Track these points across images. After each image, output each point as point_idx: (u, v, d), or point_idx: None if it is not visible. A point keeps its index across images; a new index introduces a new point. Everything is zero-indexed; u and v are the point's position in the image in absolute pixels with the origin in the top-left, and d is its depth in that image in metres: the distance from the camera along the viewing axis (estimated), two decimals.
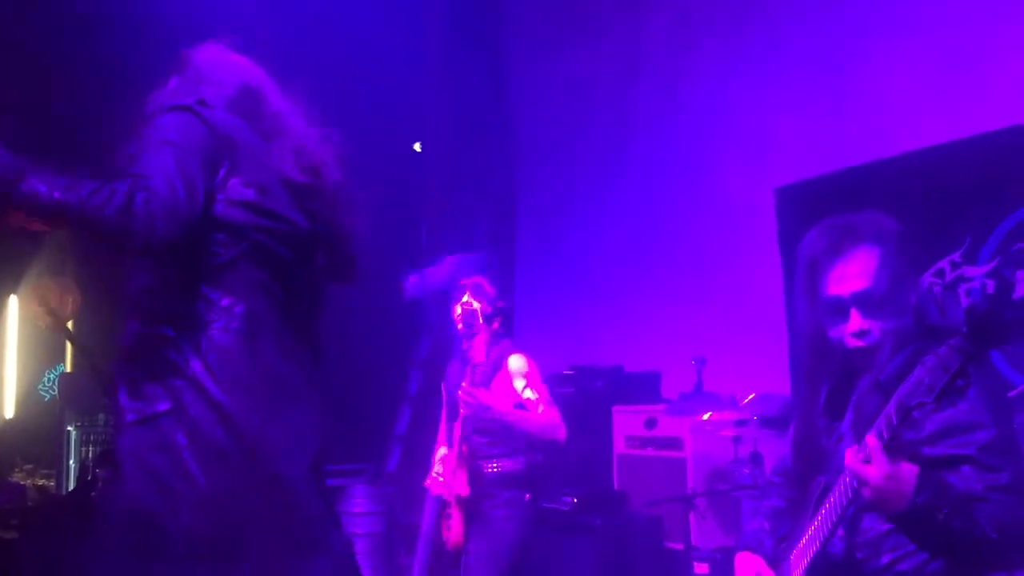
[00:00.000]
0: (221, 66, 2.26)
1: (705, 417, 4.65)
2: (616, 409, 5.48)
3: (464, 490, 3.71)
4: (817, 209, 5.18)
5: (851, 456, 1.80)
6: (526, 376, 3.85)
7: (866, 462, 1.76)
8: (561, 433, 3.83)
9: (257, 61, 2.37)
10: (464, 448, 3.76)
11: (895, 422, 1.72)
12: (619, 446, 5.41)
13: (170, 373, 1.86)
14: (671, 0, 6.55)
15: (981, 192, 4.62)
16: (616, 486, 5.34)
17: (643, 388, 5.74)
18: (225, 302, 1.92)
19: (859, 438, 1.85)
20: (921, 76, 4.95)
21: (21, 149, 1.90)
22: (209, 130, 1.96)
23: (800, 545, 2.04)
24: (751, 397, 4.54)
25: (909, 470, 1.75)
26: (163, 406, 1.84)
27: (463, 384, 3.72)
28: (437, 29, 7.50)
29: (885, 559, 1.92)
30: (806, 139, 5.48)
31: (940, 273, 5.12)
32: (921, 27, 4.98)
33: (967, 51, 4.75)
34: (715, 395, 4.98)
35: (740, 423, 4.49)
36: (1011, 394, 4.33)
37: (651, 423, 5.21)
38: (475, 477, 3.77)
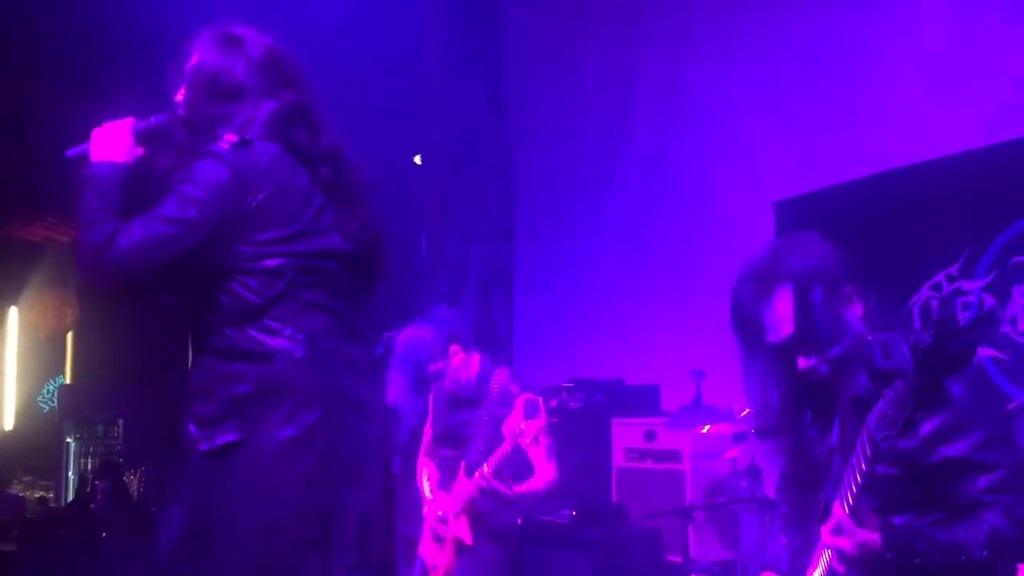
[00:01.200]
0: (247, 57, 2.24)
1: (704, 430, 4.66)
2: (615, 422, 5.48)
3: (467, 539, 3.69)
4: (815, 223, 5.21)
5: (825, 531, 1.86)
6: (536, 427, 3.72)
7: (838, 533, 1.82)
8: (555, 488, 3.85)
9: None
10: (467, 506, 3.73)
11: (860, 482, 1.77)
12: (618, 459, 5.41)
13: (239, 406, 1.97)
14: (669, 15, 6.58)
15: (978, 206, 4.65)
16: (615, 499, 5.33)
17: (642, 401, 5.73)
18: (288, 332, 2.02)
19: (846, 454, 1.88)
20: (918, 91, 4.97)
21: None
22: (239, 179, 2.03)
23: (812, 571, 2.06)
24: (747, 411, 4.55)
25: (873, 532, 1.80)
26: (232, 437, 1.96)
27: (483, 472, 3.63)
28: (437, 44, 7.54)
29: None
30: (805, 153, 5.50)
31: (937, 287, 5.14)
32: (917, 43, 5.01)
33: (965, 66, 4.77)
34: (714, 408, 4.99)
35: (738, 436, 4.50)
36: (1010, 407, 4.35)
37: (650, 436, 5.22)
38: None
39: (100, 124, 2.20)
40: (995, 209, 4.57)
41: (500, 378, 3.89)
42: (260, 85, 2.18)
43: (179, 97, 2.23)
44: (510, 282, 7.47)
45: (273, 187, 2.06)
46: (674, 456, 5.06)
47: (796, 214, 5.39)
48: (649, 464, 5.20)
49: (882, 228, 5.00)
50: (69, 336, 9.90)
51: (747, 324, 2.10)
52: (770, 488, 4.20)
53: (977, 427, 1.87)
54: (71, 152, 2.23)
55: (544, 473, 3.81)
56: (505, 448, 3.63)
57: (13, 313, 10.41)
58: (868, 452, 1.75)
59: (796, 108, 5.60)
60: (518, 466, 3.79)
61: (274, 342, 2.01)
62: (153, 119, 2.21)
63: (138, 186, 2.11)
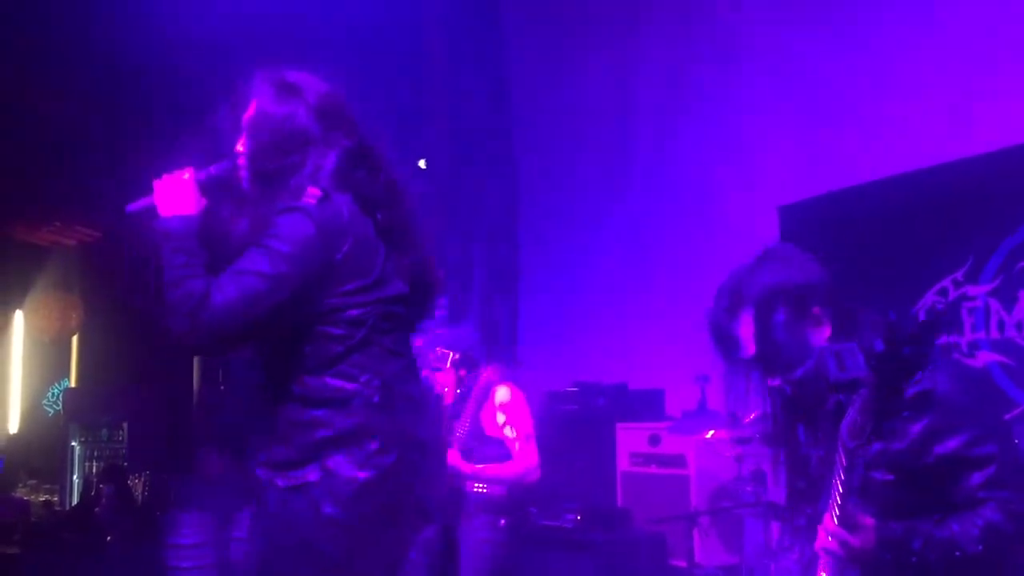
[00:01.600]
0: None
1: (709, 435, 4.65)
2: (620, 426, 5.48)
3: None
4: (820, 227, 5.25)
5: (820, 541, 1.87)
6: (507, 411, 3.85)
7: (831, 541, 1.83)
8: (533, 476, 3.86)
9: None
10: None
11: (841, 489, 1.78)
12: (623, 463, 5.40)
13: (319, 450, 2.05)
14: (673, 19, 6.58)
15: (985, 210, 4.64)
16: (619, 503, 5.33)
17: (647, 405, 5.74)
18: (364, 378, 2.10)
19: (831, 457, 1.88)
20: (925, 96, 4.97)
21: None
22: (324, 233, 2.08)
23: None
24: (753, 416, 4.54)
25: (867, 535, 1.81)
26: (314, 477, 2.05)
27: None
28: (439, 44, 7.54)
29: None
30: (809, 157, 5.49)
31: (943, 292, 5.13)
32: (924, 47, 5.01)
33: (971, 71, 4.77)
34: (719, 413, 4.98)
35: (741, 441, 4.49)
36: (1016, 411, 4.34)
37: (655, 440, 5.21)
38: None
39: (158, 174, 2.25)
40: (1002, 214, 4.56)
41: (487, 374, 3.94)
42: (321, 132, 2.22)
43: (240, 147, 2.26)
44: (515, 286, 7.47)
45: (353, 239, 2.12)
46: (678, 461, 5.06)
47: (800, 218, 5.39)
48: (653, 468, 5.20)
49: (888, 232, 5.00)
50: (74, 339, 9.92)
51: (723, 339, 2.13)
52: (775, 494, 4.20)
53: (967, 423, 1.87)
54: (133, 207, 2.28)
55: (520, 459, 3.82)
56: (467, 412, 3.69)
57: (18, 316, 10.43)
58: (844, 461, 1.75)
59: (801, 111, 5.60)
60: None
61: (351, 388, 2.09)
62: (213, 169, 2.25)
63: (204, 236, 2.17)
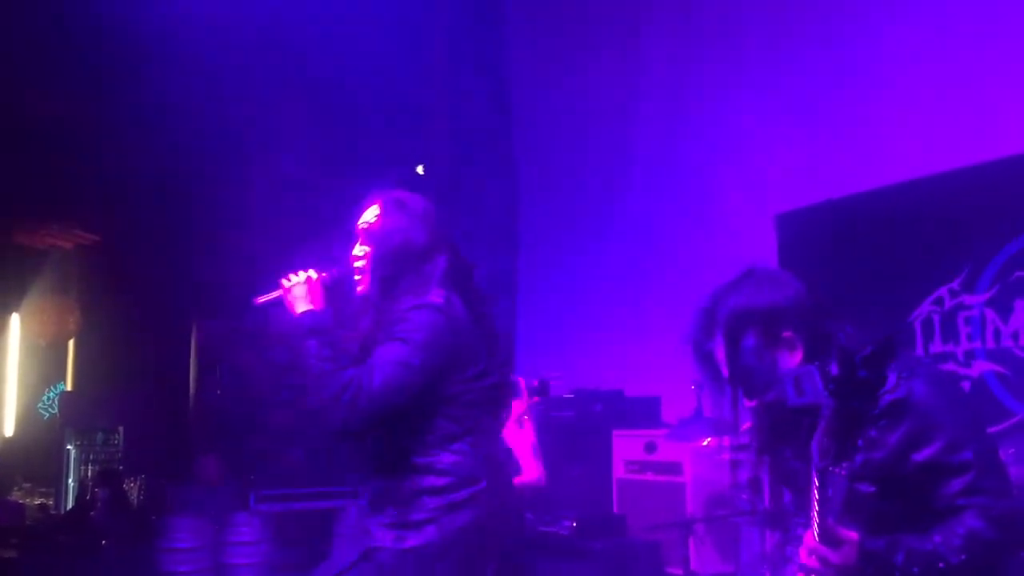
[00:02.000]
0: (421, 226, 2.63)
1: (705, 443, 4.65)
2: (616, 433, 5.48)
3: None
4: (817, 235, 5.26)
5: (801, 558, 1.86)
6: (519, 412, 3.85)
7: (812, 557, 1.82)
8: (542, 483, 3.90)
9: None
10: None
11: (818, 507, 1.77)
12: (619, 470, 5.41)
13: (438, 513, 2.37)
14: (674, 23, 6.60)
15: (981, 220, 4.65)
16: (615, 510, 5.33)
17: (643, 412, 5.74)
18: (474, 454, 2.45)
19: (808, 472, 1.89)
20: (922, 105, 4.99)
21: None
22: (451, 327, 2.44)
23: None
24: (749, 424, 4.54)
25: (850, 550, 1.80)
26: (433, 537, 2.36)
27: None
28: (441, 45, 7.56)
29: None
30: (807, 166, 5.51)
31: (939, 301, 5.14)
32: (922, 57, 5.03)
33: (969, 80, 4.79)
34: (715, 420, 4.98)
35: (739, 448, 4.49)
36: (1012, 421, 4.34)
37: (651, 448, 5.21)
38: None
39: (278, 272, 2.58)
40: (998, 224, 4.58)
41: None
42: (428, 241, 2.57)
43: (359, 253, 2.61)
44: (513, 290, 7.47)
45: (469, 331, 2.48)
46: (674, 468, 5.06)
47: (798, 226, 5.40)
48: (649, 476, 5.20)
49: (884, 241, 5.01)
50: (70, 343, 9.89)
51: (701, 359, 2.14)
52: (772, 503, 4.19)
53: (943, 429, 1.86)
54: (260, 300, 2.61)
55: (528, 471, 3.85)
56: None
57: (15, 320, 10.40)
58: (816, 481, 1.74)
59: (799, 121, 5.62)
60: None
61: (466, 463, 2.42)
62: (335, 272, 2.60)
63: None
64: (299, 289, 2.52)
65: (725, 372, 2.07)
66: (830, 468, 1.68)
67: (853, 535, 1.80)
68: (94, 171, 7.15)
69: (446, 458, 2.42)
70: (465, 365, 2.46)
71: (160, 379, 7.52)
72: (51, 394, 10.15)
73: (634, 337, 6.35)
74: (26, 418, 10.33)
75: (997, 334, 4.60)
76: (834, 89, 5.44)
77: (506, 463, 2.65)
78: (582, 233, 7.01)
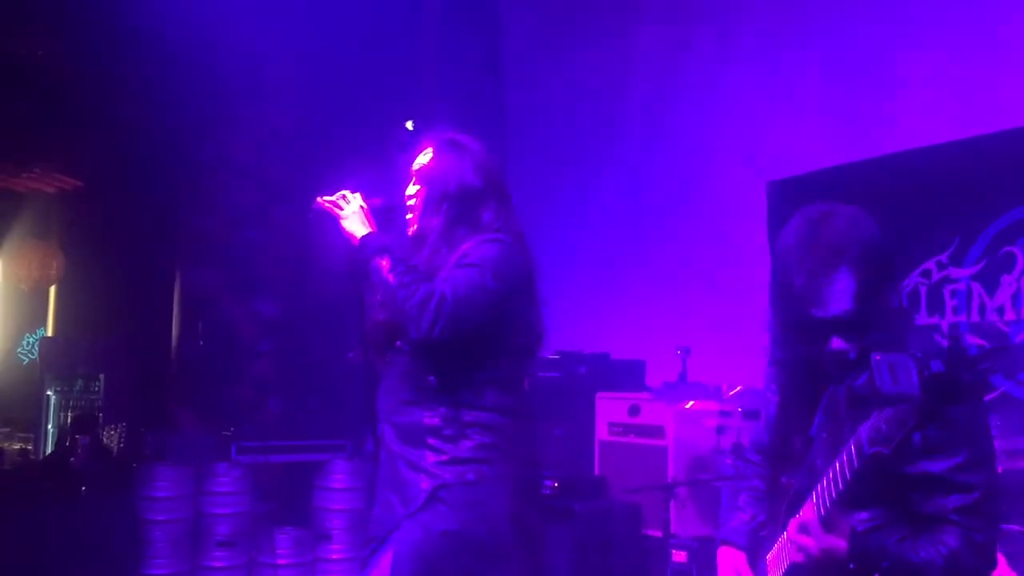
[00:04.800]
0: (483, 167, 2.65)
1: (688, 406, 4.67)
2: (600, 395, 5.49)
3: None
4: (808, 204, 5.24)
5: (793, 527, 1.86)
6: None
7: (804, 532, 1.82)
8: None
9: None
10: None
11: (841, 488, 1.74)
12: (601, 432, 5.42)
13: (486, 449, 2.40)
14: None
15: (971, 194, 4.66)
16: (597, 472, 5.36)
17: (628, 376, 5.75)
18: (514, 393, 2.48)
19: (830, 444, 1.85)
20: (915, 78, 4.97)
21: None
22: (523, 260, 2.52)
23: (774, 552, 2.06)
24: (737, 389, 4.57)
25: (841, 539, 1.80)
26: (473, 476, 2.38)
27: None
28: (434, 7, 7.47)
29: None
30: (800, 135, 5.49)
31: (927, 274, 5.14)
32: (916, 28, 5.00)
33: (963, 53, 4.77)
34: (699, 385, 5.00)
35: (723, 414, 4.52)
36: (992, 395, 4.37)
37: (634, 411, 5.23)
38: None
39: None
40: (988, 198, 4.58)
41: None
42: (482, 185, 2.58)
43: (411, 192, 2.63)
44: None
45: (529, 270, 2.54)
46: (657, 431, 5.08)
47: (789, 194, 5.40)
48: (632, 439, 5.22)
49: (874, 212, 4.96)
50: (52, 289, 9.82)
51: (790, 296, 1.97)
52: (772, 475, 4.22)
53: (962, 447, 1.83)
54: (317, 207, 2.60)
55: None
56: None
57: None
58: (855, 464, 1.71)
59: (792, 89, 5.59)
60: None
61: (507, 402, 2.45)
62: (383, 200, 2.63)
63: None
64: (354, 213, 2.54)
65: (831, 309, 1.89)
66: (879, 455, 1.65)
67: (847, 526, 1.80)
68: (77, 115, 7.05)
69: (491, 394, 2.43)
70: (526, 304, 2.51)
71: (142, 327, 7.49)
72: (31, 339, 10.10)
73: (621, 301, 6.36)
74: (6, 363, 10.29)
75: (982, 308, 4.62)
76: (826, 60, 5.41)
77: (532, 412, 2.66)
78: (571, 196, 6.98)
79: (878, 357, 1.59)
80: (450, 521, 2.33)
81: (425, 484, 2.36)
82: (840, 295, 1.90)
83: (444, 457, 2.38)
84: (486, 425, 2.41)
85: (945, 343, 1.60)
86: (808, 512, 1.82)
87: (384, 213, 2.61)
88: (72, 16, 6.18)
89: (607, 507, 4.88)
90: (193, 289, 6.79)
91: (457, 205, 2.55)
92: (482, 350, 2.42)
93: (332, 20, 6.68)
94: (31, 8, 6.13)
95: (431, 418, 2.41)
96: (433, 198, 2.57)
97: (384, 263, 2.41)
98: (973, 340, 4.60)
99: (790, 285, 1.96)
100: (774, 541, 2.07)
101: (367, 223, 2.53)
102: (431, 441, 2.39)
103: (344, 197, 2.57)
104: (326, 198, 2.59)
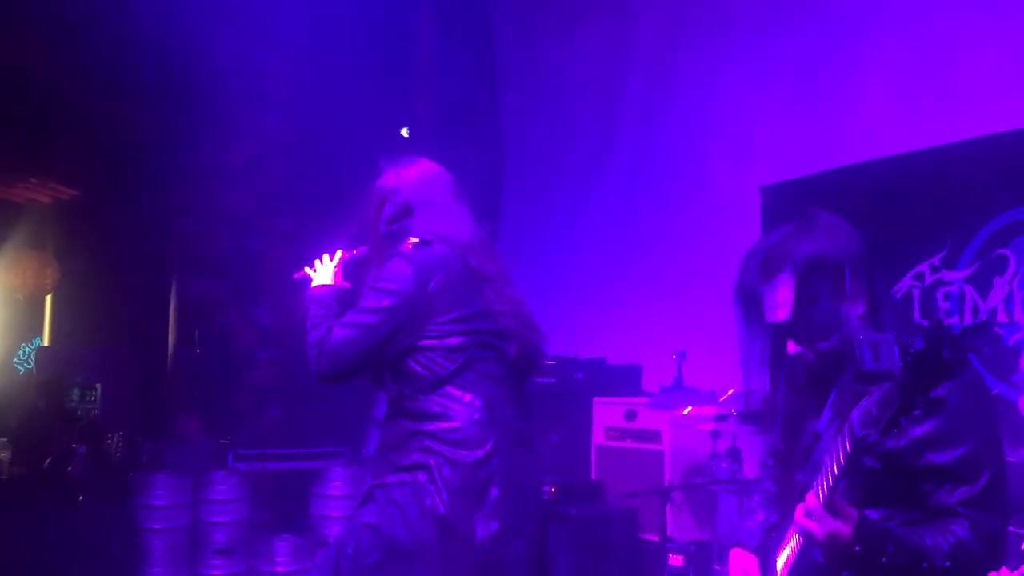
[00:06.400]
0: (425, 186, 2.77)
1: (686, 411, 4.69)
2: (596, 400, 5.51)
3: None
4: (801, 208, 5.26)
5: (799, 513, 1.87)
6: None
7: (809, 517, 1.83)
8: None
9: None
10: None
11: (837, 473, 1.76)
12: (598, 437, 5.44)
13: (430, 456, 2.43)
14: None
15: (964, 197, 4.68)
16: (594, 476, 5.37)
17: (624, 380, 5.77)
18: (467, 399, 2.48)
19: (835, 437, 1.87)
20: (908, 81, 4.99)
21: None
22: (417, 274, 2.50)
23: (783, 549, 2.08)
24: (731, 392, 4.58)
25: (847, 524, 1.81)
26: (422, 477, 2.42)
27: None
28: (428, 15, 7.49)
29: None
30: (793, 139, 5.52)
31: (920, 277, 5.17)
32: (908, 32, 5.03)
33: (954, 57, 4.80)
34: (695, 389, 5.02)
35: (720, 418, 4.53)
36: None
37: (631, 415, 5.25)
38: None
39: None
40: (981, 201, 4.61)
41: None
42: (422, 199, 2.70)
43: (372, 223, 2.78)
44: None
45: (446, 274, 2.52)
46: (654, 436, 5.10)
47: (782, 199, 5.42)
48: (629, 443, 5.24)
49: (867, 215, 4.99)
50: (48, 298, 9.80)
51: (748, 301, 2.09)
52: (752, 469, 4.24)
53: (968, 438, 1.85)
54: (298, 276, 2.82)
55: None
56: None
57: None
58: (848, 447, 1.73)
59: (786, 94, 5.62)
60: None
61: (456, 407, 2.47)
62: (357, 252, 2.81)
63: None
64: (325, 272, 2.75)
65: (775, 316, 2.02)
66: (869, 438, 1.68)
67: (854, 511, 1.81)
68: (74, 125, 7.05)
69: (435, 403, 2.48)
70: (444, 308, 2.51)
71: (139, 336, 7.48)
72: (27, 349, 10.08)
73: (617, 306, 6.37)
74: (2, 373, 10.26)
75: (975, 310, 4.64)
76: (820, 63, 5.43)
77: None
78: (567, 203, 7.00)
79: (861, 336, 1.63)
80: (372, 515, 2.46)
81: (367, 483, 2.55)
82: (782, 302, 2.00)
83: (392, 465, 2.50)
84: (430, 434, 2.46)
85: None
86: (812, 498, 1.83)
87: (358, 265, 2.80)
88: (69, 26, 6.19)
89: (604, 511, 4.89)
90: (190, 297, 6.80)
91: (395, 224, 2.72)
92: (403, 362, 2.51)
93: (329, 30, 6.70)
94: (28, 18, 6.14)
95: (390, 432, 2.56)
96: (367, 230, 2.78)
97: (312, 309, 2.63)
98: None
99: (746, 292, 2.09)
100: (785, 539, 2.09)
101: (333, 278, 2.74)
102: (390, 454, 2.53)
103: (319, 262, 2.79)
104: (306, 268, 2.81)
